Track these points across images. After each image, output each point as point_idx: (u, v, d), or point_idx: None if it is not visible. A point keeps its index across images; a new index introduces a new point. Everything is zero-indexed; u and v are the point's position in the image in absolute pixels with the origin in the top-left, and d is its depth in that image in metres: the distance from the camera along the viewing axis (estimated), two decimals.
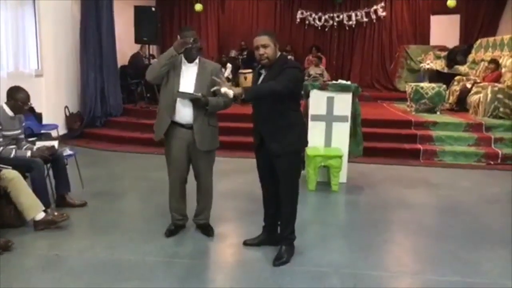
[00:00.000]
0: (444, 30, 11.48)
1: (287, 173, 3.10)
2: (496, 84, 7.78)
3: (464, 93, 8.37)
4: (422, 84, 8.39)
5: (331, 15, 12.19)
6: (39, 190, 3.82)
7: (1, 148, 3.89)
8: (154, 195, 4.66)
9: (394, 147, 6.67)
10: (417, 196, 4.91)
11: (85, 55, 7.89)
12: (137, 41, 8.78)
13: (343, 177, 5.16)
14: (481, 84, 8.13)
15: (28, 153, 4.00)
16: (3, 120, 3.93)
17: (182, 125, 3.39)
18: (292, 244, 3.25)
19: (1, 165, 3.72)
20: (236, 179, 5.36)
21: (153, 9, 8.98)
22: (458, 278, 3.03)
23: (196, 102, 3.30)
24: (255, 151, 3.29)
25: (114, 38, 8.32)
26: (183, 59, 3.39)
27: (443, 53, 10.36)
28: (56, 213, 3.75)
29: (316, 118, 5.24)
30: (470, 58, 9.84)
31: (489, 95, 7.56)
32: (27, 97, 4.08)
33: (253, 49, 3.14)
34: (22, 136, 4.21)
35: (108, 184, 5.18)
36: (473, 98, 8.05)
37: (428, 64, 9.82)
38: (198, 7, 11.30)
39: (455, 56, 9.97)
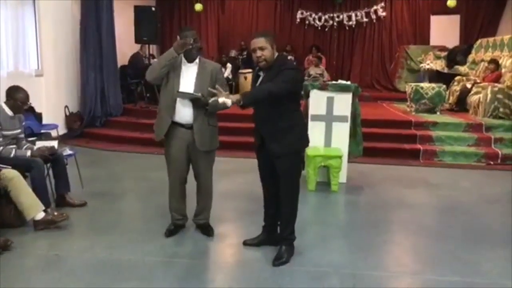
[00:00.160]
0: (444, 30, 11.46)
1: (287, 174, 3.10)
2: (496, 84, 7.78)
3: (464, 93, 8.36)
4: (422, 84, 8.39)
5: (331, 15, 12.19)
6: (39, 190, 3.82)
7: (1, 147, 3.89)
8: (154, 195, 4.65)
9: (394, 147, 6.67)
10: (417, 196, 4.91)
11: (85, 55, 7.89)
12: (137, 41, 8.78)
13: (343, 177, 5.16)
14: (481, 84, 8.12)
15: (28, 153, 4.00)
16: (3, 120, 3.93)
17: (182, 125, 3.39)
18: (292, 244, 3.25)
19: (1, 165, 3.72)
20: (236, 179, 5.36)
21: (153, 9, 8.98)
22: (458, 278, 3.03)
23: (196, 102, 3.30)
24: (256, 151, 3.29)
25: (114, 38, 8.32)
26: (183, 59, 3.39)
27: (443, 53, 10.35)
28: (56, 213, 3.75)
29: (316, 118, 5.24)
30: (470, 58, 9.83)
31: (489, 95, 7.56)
32: (27, 96, 4.08)
33: (251, 51, 3.13)
34: (22, 135, 4.21)
35: (108, 184, 5.18)
36: (473, 98, 8.05)
37: (428, 64, 9.83)
38: (198, 7, 11.30)
39: (455, 56, 9.97)
